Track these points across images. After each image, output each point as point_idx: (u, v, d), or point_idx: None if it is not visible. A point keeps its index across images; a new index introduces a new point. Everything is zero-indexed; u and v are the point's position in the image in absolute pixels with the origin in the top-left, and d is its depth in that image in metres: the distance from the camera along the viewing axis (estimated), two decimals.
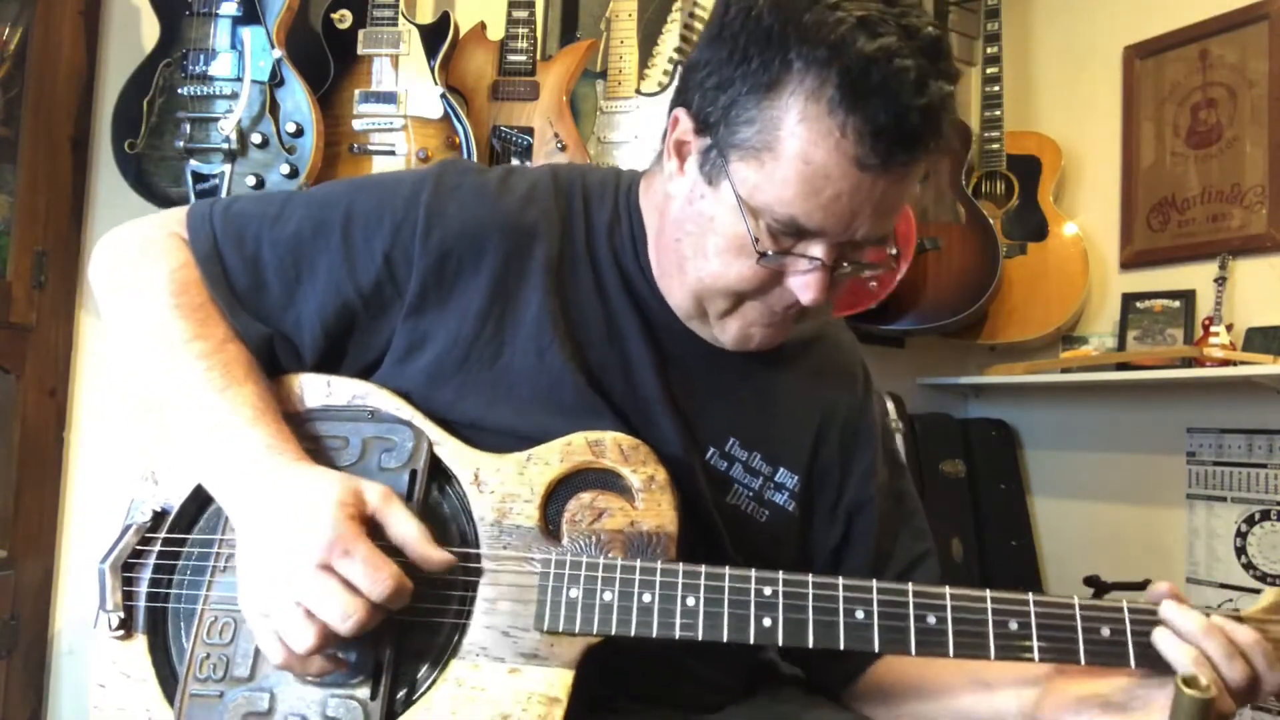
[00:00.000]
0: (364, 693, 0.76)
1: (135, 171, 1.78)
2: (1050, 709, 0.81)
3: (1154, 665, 0.75)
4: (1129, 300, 2.55)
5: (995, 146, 2.63)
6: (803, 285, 0.81)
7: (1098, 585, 2.30)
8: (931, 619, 0.75)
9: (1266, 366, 2.13)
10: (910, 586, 0.76)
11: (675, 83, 0.89)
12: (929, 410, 2.78)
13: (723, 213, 0.81)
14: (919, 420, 2.66)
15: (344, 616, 0.70)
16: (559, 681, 0.75)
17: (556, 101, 2.05)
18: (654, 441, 0.85)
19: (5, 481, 1.76)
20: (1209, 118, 2.47)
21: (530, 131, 2.04)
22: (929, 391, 2.86)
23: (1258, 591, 2.18)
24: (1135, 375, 2.39)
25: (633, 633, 0.76)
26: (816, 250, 0.79)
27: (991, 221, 2.51)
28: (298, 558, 0.72)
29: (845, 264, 0.82)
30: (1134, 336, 2.52)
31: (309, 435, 0.84)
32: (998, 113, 2.63)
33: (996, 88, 2.64)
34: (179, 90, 1.78)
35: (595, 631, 0.77)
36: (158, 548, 0.84)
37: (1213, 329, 2.28)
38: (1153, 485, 2.51)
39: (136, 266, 0.88)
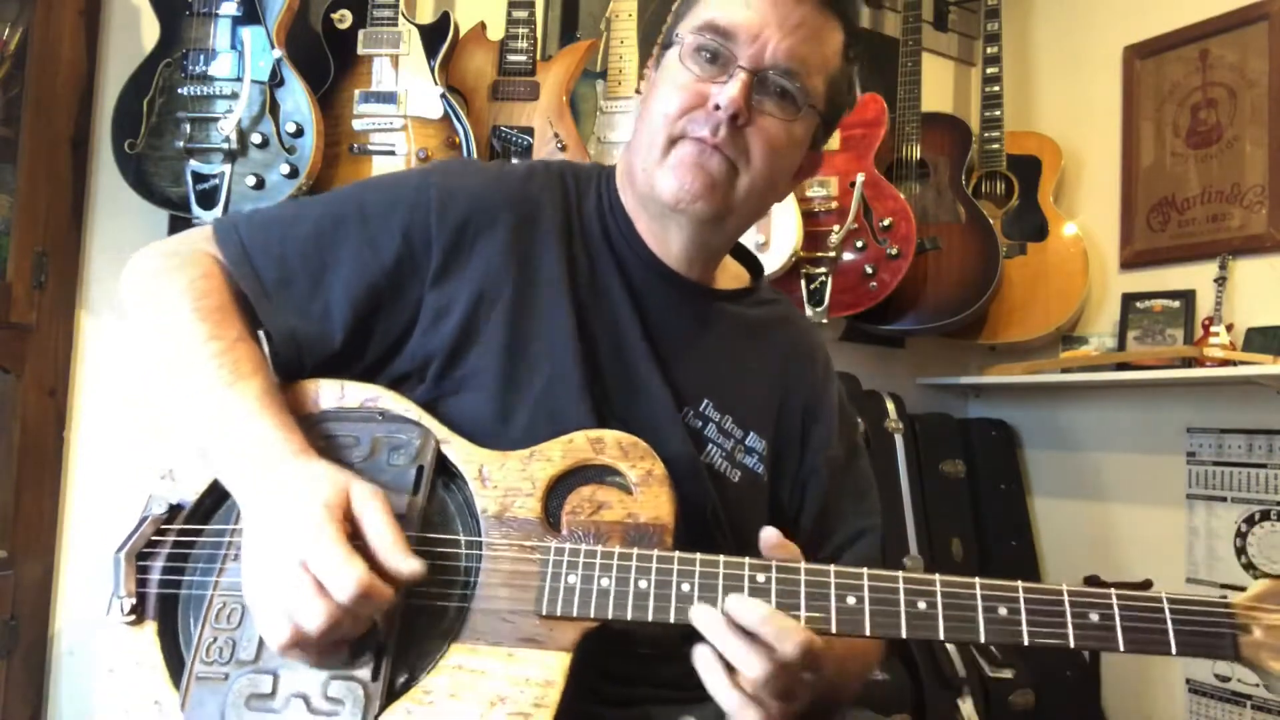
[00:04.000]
0: (365, 674, 0.78)
1: (135, 171, 1.78)
2: None
3: (1143, 648, 0.75)
4: (1129, 300, 2.55)
5: (995, 146, 2.63)
6: (723, 92, 0.93)
7: (1097, 585, 2.30)
8: (922, 604, 0.76)
9: (1266, 366, 2.13)
10: (900, 574, 0.78)
11: (645, 60, 1.03)
12: (929, 410, 2.77)
13: (664, 69, 0.98)
14: (919, 420, 2.66)
15: (310, 617, 0.73)
16: (556, 664, 0.78)
17: (556, 101, 2.05)
18: (639, 395, 0.96)
19: (5, 481, 1.76)
20: (1209, 118, 2.47)
21: (530, 131, 2.04)
22: (929, 391, 2.86)
23: None
24: (1135, 375, 2.39)
25: (629, 617, 0.78)
26: (734, 50, 0.93)
27: (991, 221, 2.51)
28: (282, 554, 0.75)
29: (756, 96, 0.94)
30: (1134, 336, 2.52)
31: (323, 434, 0.88)
32: (998, 113, 2.63)
33: (996, 88, 2.64)
34: (179, 90, 1.78)
35: (593, 615, 0.79)
36: (172, 538, 0.87)
37: (1213, 329, 2.28)
38: (1152, 485, 2.51)
39: (160, 278, 0.95)
